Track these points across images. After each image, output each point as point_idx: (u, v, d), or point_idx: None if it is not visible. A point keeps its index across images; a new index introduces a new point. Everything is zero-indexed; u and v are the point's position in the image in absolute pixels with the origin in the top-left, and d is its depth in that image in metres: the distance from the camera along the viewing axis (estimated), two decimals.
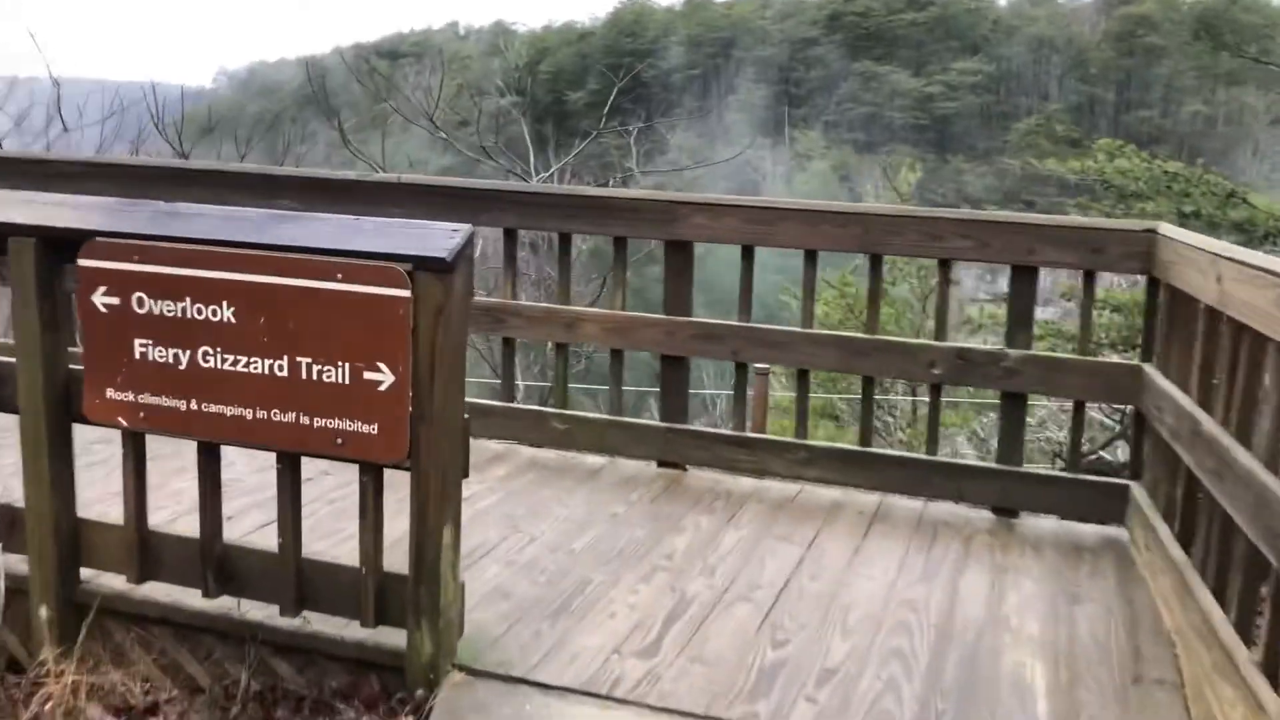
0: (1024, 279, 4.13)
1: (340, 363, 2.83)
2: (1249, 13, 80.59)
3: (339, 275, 2.79)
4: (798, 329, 4.43)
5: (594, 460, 4.72)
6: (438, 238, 2.77)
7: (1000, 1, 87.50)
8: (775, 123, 79.26)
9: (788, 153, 76.89)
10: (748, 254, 4.46)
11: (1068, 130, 78.27)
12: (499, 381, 5.06)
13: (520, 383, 11.14)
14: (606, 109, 13.05)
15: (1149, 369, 3.91)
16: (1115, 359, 6.83)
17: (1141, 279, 4.23)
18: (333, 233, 2.91)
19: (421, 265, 2.73)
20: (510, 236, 4.78)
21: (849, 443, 4.73)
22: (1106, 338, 10.35)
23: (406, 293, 2.74)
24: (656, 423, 4.69)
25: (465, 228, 2.79)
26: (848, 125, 79.52)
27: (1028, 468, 4.31)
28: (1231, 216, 8.91)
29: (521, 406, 4.98)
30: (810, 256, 4.40)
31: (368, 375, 2.81)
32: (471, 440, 4.87)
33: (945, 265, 4.25)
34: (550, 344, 5.03)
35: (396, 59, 78.90)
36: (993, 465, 4.27)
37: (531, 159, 12.55)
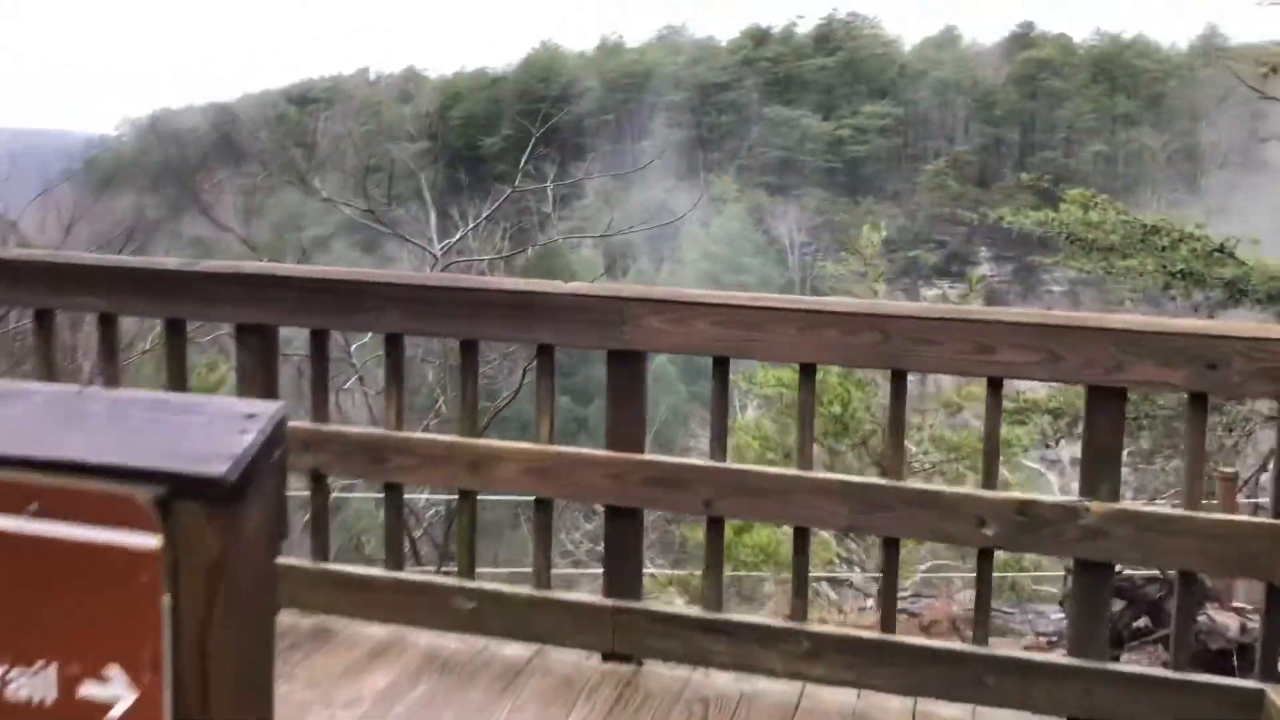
0: (1107, 406, 2.97)
1: (40, 665, 1.52)
2: (1141, 57, 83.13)
3: (34, 506, 1.50)
4: (793, 471, 3.22)
5: (515, 651, 3.43)
6: (215, 434, 1.49)
7: (905, 46, 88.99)
8: (689, 166, 79.07)
9: (703, 196, 76.75)
10: (721, 367, 3.25)
11: (976, 172, 79.54)
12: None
13: (423, 494, 9.71)
14: (524, 159, 11.88)
15: None
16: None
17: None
18: (34, 422, 1.61)
19: (182, 489, 1.45)
20: (394, 343, 3.50)
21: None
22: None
23: (153, 541, 1.45)
24: (600, 599, 3.42)
25: (267, 411, 1.51)
26: (760, 169, 79.88)
27: (1119, 665, 3.14)
28: (1221, 274, 7.99)
29: (414, 578, 3.66)
30: (808, 371, 3.20)
31: (88, 690, 1.50)
32: (347, 626, 3.59)
33: (996, 385, 3.08)
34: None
35: (306, 105, 76.89)
36: (1069, 661, 3.09)
37: (433, 219, 11.24)
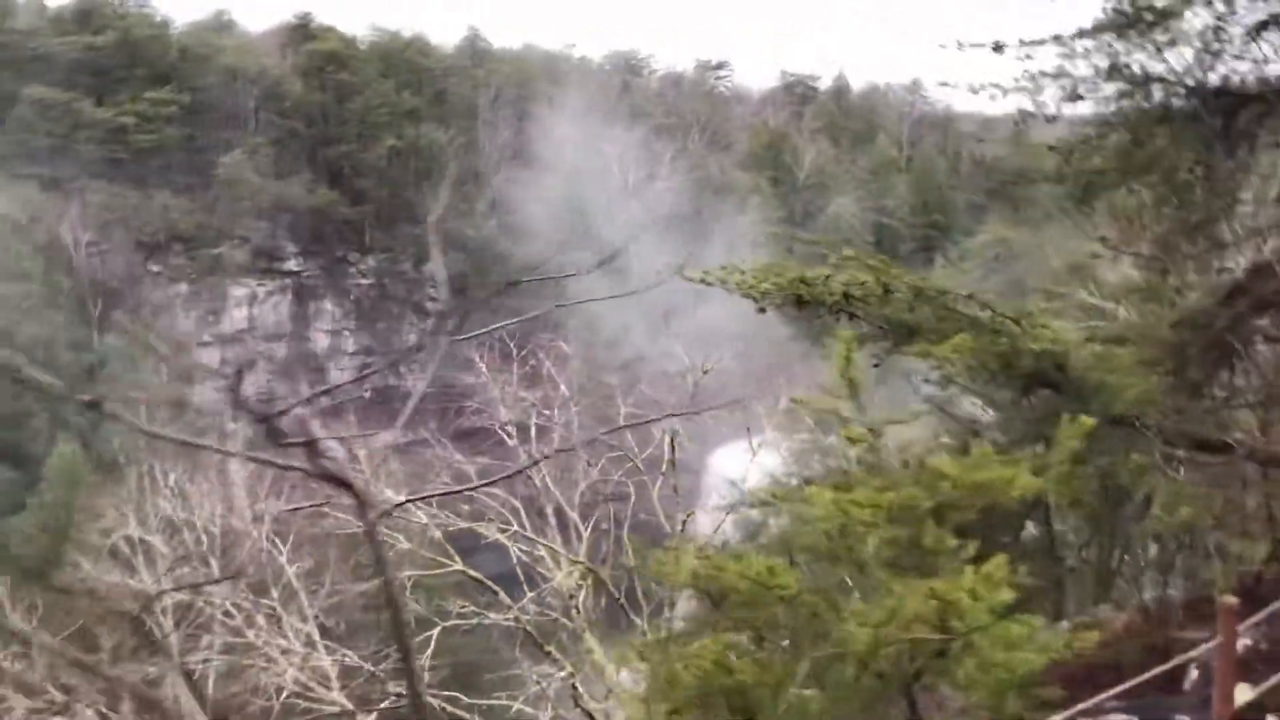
0: None
1: None
2: (423, 56, 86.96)
3: None
4: None
5: None
6: None
7: (177, 29, 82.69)
8: None
9: None
10: None
11: (270, 164, 76.84)
12: None
13: None
14: None
15: None
16: None
17: None
18: None
19: None
20: None
21: None
22: None
23: None
24: None
25: None
26: (27, 159, 69.15)
27: None
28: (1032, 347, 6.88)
29: None
30: None
31: None
32: None
33: None
34: None
35: None
36: None
37: None
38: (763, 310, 8.14)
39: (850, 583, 4.66)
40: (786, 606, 4.35)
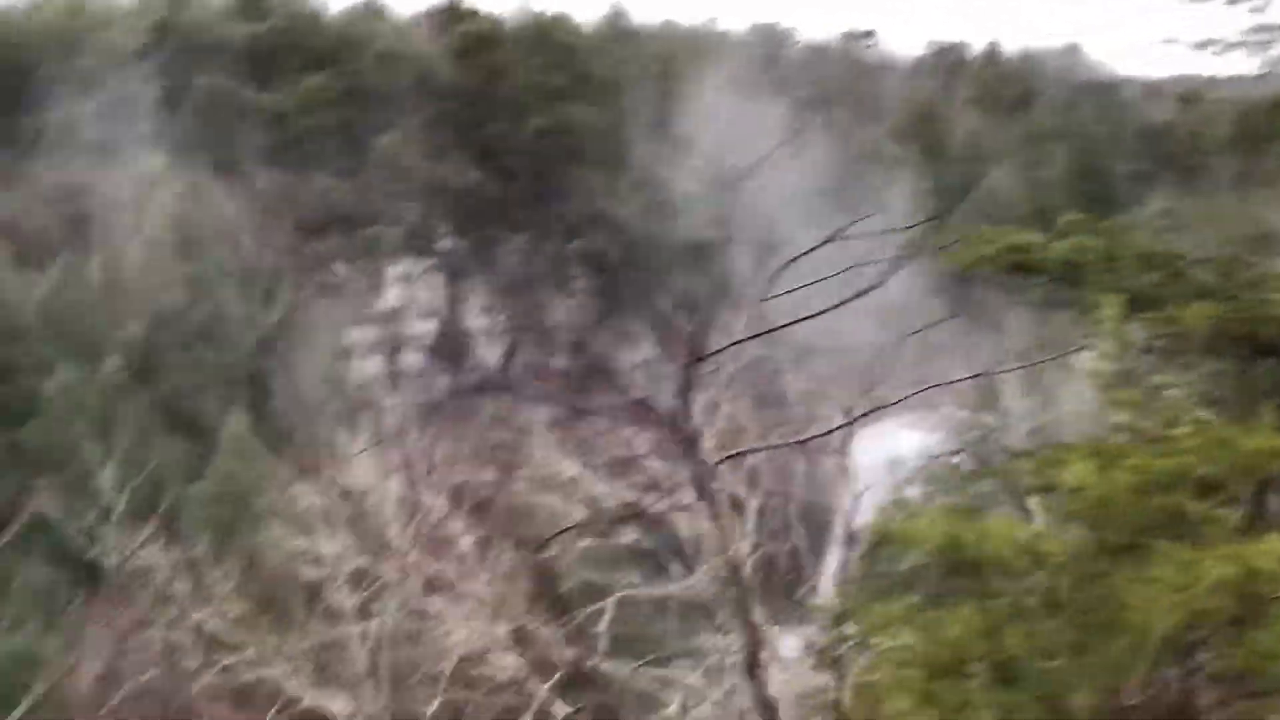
0: None
1: None
2: (569, 35, 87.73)
3: None
4: None
5: None
6: None
7: (332, 13, 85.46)
8: (112, 142, 69.70)
9: (129, 175, 68.34)
10: None
11: (426, 146, 78.72)
12: None
13: None
14: None
15: None
16: None
17: None
18: None
19: None
20: None
21: None
22: None
23: None
24: None
25: None
26: (198, 145, 72.56)
27: None
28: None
29: None
30: None
31: None
32: None
33: None
34: None
35: None
36: None
37: None
38: (969, 280, 7.99)
39: (1114, 552, 4.54)
40: (1052, 574, 4.27)
